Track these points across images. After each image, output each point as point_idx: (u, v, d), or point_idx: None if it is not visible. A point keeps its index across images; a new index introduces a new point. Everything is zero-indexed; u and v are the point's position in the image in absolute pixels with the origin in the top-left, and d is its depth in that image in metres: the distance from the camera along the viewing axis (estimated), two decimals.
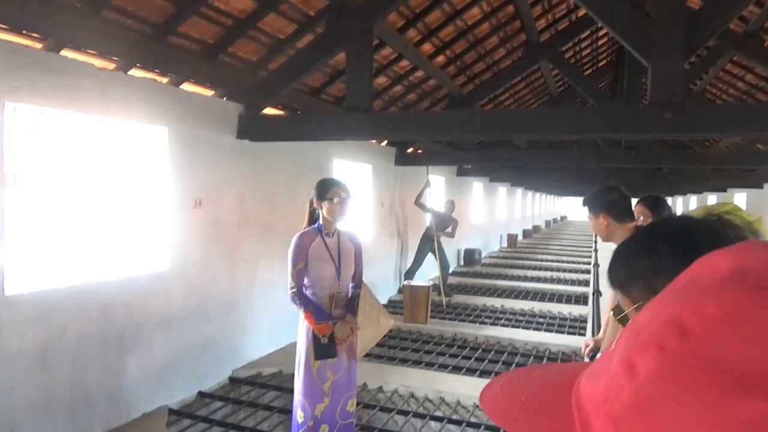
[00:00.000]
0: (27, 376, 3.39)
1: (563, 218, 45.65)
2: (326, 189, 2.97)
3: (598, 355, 2.80)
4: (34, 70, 3.30)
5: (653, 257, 0.86)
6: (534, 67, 8.03)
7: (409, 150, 9.28)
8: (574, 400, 0.36)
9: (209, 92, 4.89)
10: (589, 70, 10.99)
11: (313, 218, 3.06)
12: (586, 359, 2.90)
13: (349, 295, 3.07)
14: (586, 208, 2.65)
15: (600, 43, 9.84)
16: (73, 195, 3.85)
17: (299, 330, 3.00)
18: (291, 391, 4.79)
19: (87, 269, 3.96)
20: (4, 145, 3.17)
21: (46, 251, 3.67)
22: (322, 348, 2.88)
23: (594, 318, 4.37)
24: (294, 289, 2.90)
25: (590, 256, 15.88)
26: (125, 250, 4.30)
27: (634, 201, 2.93)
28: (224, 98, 5.00)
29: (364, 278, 3.20)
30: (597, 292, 5.05)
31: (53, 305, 3.52)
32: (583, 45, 9.50)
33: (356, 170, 8.00)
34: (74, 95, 3.56)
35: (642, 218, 3.58)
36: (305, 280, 2.98)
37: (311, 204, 3.06)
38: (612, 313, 1.17)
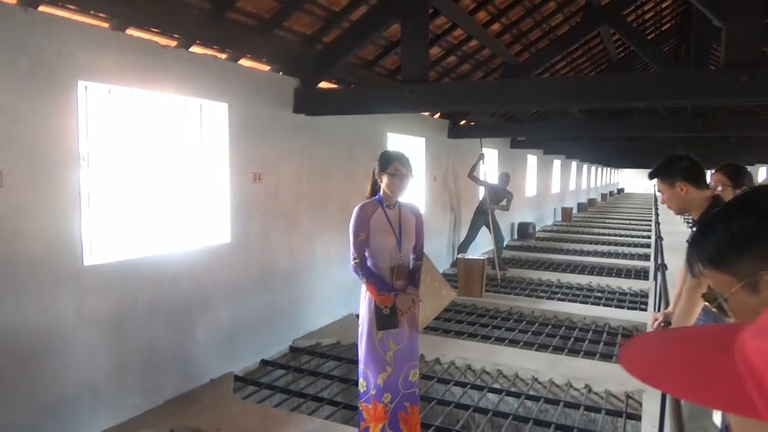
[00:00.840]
0: (104, 341, 3.59)
1: (620, 191, 44.18)
2: (387, 162, 2.95)
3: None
4: (102, 49, 3.42)
5: (765, 221, 0.78)
6: (593, 32, 7.72)
7: (462, 122, 9.14)
8: (740, 357, 0.35)
9: (266, 67, 4.93)
10: (652, 35, 10.48)
11: (374, 189, 3.07)
12: None
13: (411, 267, 3.06)
14: (657, 179, 2.52)
15: (664, 5, 9.34)
16: (142, 171, 4.00)
17: (362, 301, 3.03)
18: (350, 361, 4.93)
19: (156, 241, 4.14)
20: (79, 124, 3.32)
21: (119, 224, 3.85)
22: (385, 319, 2.90)
23: (661, 292, 4.23)
24: (356, 260, 2.91)
25: (649, 230, 15.38)
26: (191, 223, 4.46)
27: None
28: (280, 73, 5.04)
29: None
30: (663, 266, 4.88)
31: (126, 275, 3.70)
32: (646, 8, 9.04)
33: (409, 144, 7.98)
34: (140, 73, 3.67)
35: (720, 187, 3.41)
36: (366, 252, 3.00)
37: (374, 174, 3.06)
38: (703, 298, 0.98)
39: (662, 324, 2.77)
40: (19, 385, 3.11)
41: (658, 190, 2.53)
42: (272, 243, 5.05)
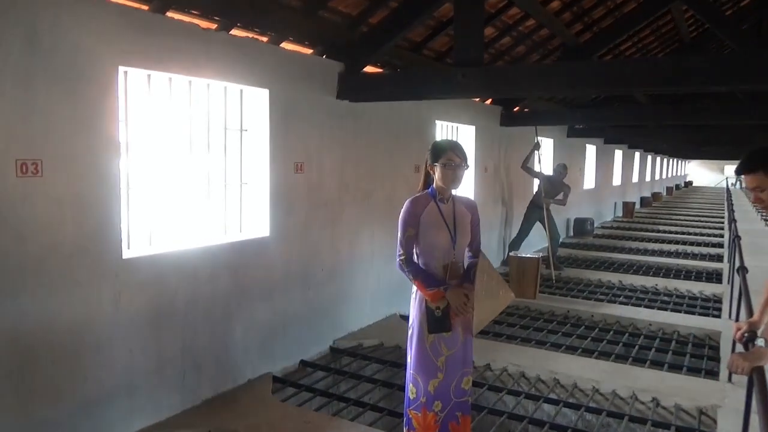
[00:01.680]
0: (142, 338, 3.67)
1: (688, 184, 42.77)
2: (439, 152, 2.91)
3: (758, 341, 2.57)
4: (142, 32, 3.47)
5: None
6: (663, 9, 7.46)
7: (516, 109, 8.99)
8: None
9: (308, 51, 4.95)
10: (729, 11, 10.04)
11: (427, 182, 3.03)
12: (739, 345, 2.69)
13: (466, 266, 3.03)
14: (751, 174, 2.37)
15: None
16: (181, 160, 4.08)
17: (412, 302, 3.01)
18: (393, 364, 4.92)
19: (194, 234, 4.21)
20: (120, 110, 3.39)
21: (158, 216, 3.93)
22: (437, 321, 2.87)
23: (742, 297, 4.05)
24: (402, 257, 2.90)
25: (722, 228, 14.84)
26: (229, 215, 4.52)
27: None
28: (324, 56, 5.05)
29: None
30: (742, 269, 4.67)
31: (164, 269, 3.77)
32: None
33: (459, 132, 7.90)
34: (180, 57, 3.72)
35: None
36: (416, 249, 2.97)
37: (426, 165, 3.02)
38: None
39: (746, 334, 2.64)
40: (56, 380, 3.22)
41: (749, 187, 2.39)
42: (313, 237, 5.08)
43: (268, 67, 4.44)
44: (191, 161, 4.13)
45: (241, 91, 4.47)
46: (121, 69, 3.42)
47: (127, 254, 3.56)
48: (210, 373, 4.18)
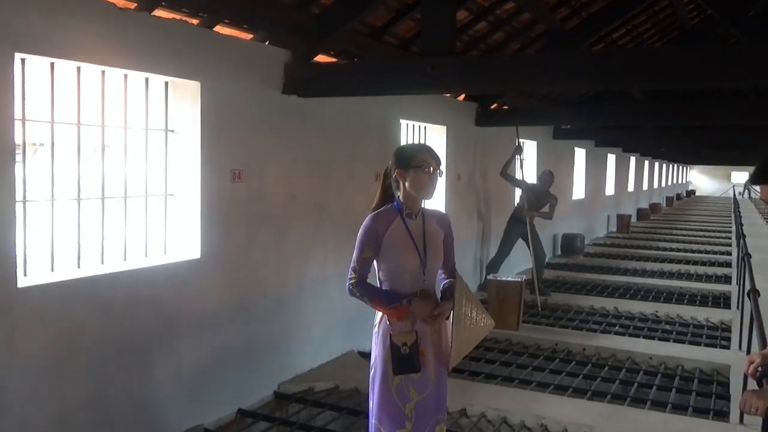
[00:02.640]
0: (41, 386, 3.56)
1: (691, 193, 44.18)
2: (413, 155, 2.95)
3: None
4: (43, 12, 3.41)
5: None
6: None
7: (493, 106, 9.14)
8: None
9: (248, 36, 4.94)
10: None
11: (387, 195, 3.06)
12: (752, 381, 2.78)
13: (440, 287, 3.08)
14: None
15: None
16: (94, 166, 4.01)
17: (374, 336, 3.01)
18: (351, 411, 4.91)
19: (109, 256, 4.13)
20: (15, 106, 3.31)
21: (64, 235, 3.85)
22: (404, 360, 2.87)
23: (754, 325, 4.19)
24: (353, 279, 2.92)
25: (730, 244, 15.36)
26: (151, 233, 4.46)
27: None
28: (266, 43, 5.05)
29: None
30: (754, 291, 4.84)
31: (70, 299, 3.68)
32: None
33: (428, 133, 7.98)
34: (91, 42, 3.67)
35: None
36: (379, 274, 2.98)
37: (386, 176, 3.04)
38: None
39: (760, 368, 2.73)
40: None
41: (765, 199, 2.49)
42: (254, 259, 5.05)
43: (199, 55, 4.41)
44: (105, 168, 4.06)
45: (167, 83, 4.43)
46: (18, 56, 3.35)
47: (23, 282, 3.46)
48: (127, 428, 4.09)
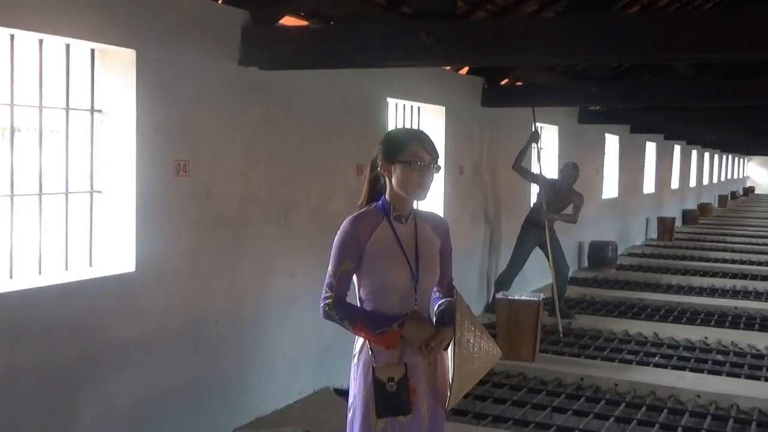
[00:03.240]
0: None
1: (748, 191, 44.37)
2: (402, 145, 2.90)
3: None
4: None
5: None
6: None
7: (504, 82, 9.15)
8: None
9: None
10: None
11: (375, 191, 3.03)
12: None
13: (435, 309, 3.04)
14: None
15: None
16: None
17: (352, 370, 2.97)
18: None
19: (18, 269, 4.08)
20: None
21: None
22: (390, 399, 2.81)
23: None
24: (330, 299, 2.89)
25: None
26: (73, 240, 4.41)
27: None
28: (219, 1, 5.03)
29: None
30: None
31: None
32: None
33: (422, 116, 7.97)
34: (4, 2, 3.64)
35: None
36: (360, 292, 2.95)
37: (372, 168, 3.00)
38: None
39: None
40: None
41: None
42: (203, 273, 5.01)
43: (135, 16, 4.38)
44: (14, 157, 4.02)
45: (93, 51, 4.40)
46: None
47: None
48: None
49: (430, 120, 8.04)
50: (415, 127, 7.59)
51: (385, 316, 2.90)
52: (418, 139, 2.94)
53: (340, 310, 2.90)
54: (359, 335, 2.96)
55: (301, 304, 5.83)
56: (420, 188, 2.92)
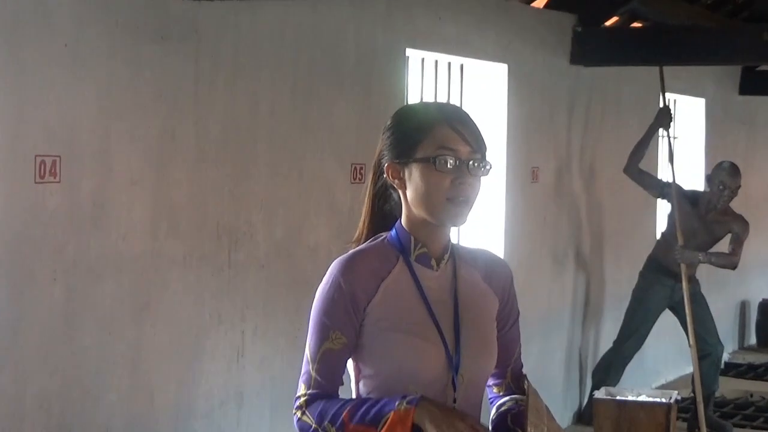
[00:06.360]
0: None
1: None
2: (421, 130, 2.82)
3: None
4: None
5: None
6: None
7: (610, 21, 9.17)
8: None
9: None
10: None
11: (383, 213, 3.01)
12: None
13: (493, 414, 3.03)
14: None
15: None
16: None
17: None
18: None
19: None
20: None
21: None
22: None
23: None
24: (304, 397, 2.86)
25: None
26: None
27: None
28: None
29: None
30: None
31: None
32: None
33: (465, 81, 8.01)
34: None
35: None
36: (361, 387, 2.92)
37: (377, 173, 2.96)
38: None
39: None
40: None
41: None
42: (89, 347, 5.06)
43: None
44: None
45: None
46: None
47: None
48: None
49: (480, 88, 8.10)
50: (448, 100, 7.60)
51: (392, 400, 2.80)
52: (448, 118, 2.85)
53: (320, 408, 2.85)
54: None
55: (254, 410, 5.88)
56: (454, 204, 2.85)
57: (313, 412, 2.82)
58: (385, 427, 2.75)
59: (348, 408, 2.80)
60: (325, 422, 2.80)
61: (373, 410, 2.78)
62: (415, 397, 2.76)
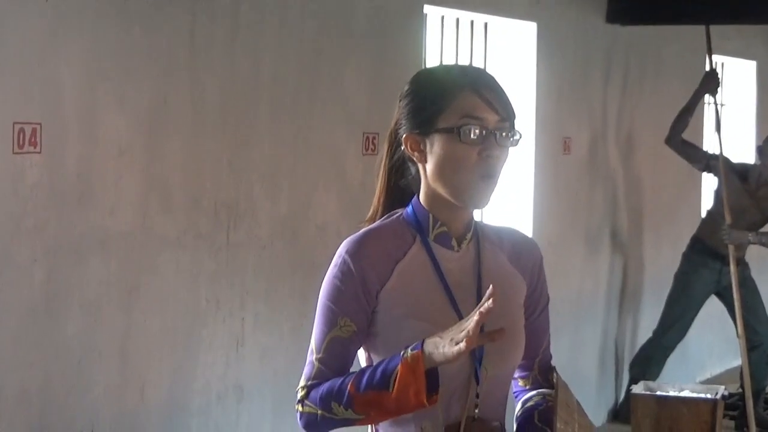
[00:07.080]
0: None
1: None
2: (442, 96, 2.83)
3: None
4: None
5: None
6: None
7: None
8: None
9: None
10: None
11: (399, 189, 3.03)
12: None
13: (518, 410, 3.07)
14: None
15: None
16: None
17: None
18: None
19: None
20: None
21: None
22: None
23: None
24: (304, 389, 2.86)
25: None
26: None
27: None
28: None
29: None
30: None
31: None
32: None
33: (489, 41, 8.02)
34: None
35: None
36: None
37: (392, 145, 2.99)
38: None
39: None
40: None
41: None
42: (70, 339, 5.08)
43: None
44: None
45: None
46: None
47: None
48: None
49: (506, 49, 8.12)
50: (468, 62, 7.64)
51: (392, 357, 2.80)
52: (472, 83, 2.83)
53: (321, 392, 2.84)
54: (354, 414, 2.84)
55: (255, 405, 5.91)
56: (480, 179, 2.86)
57: (314, 399, 2.81)
58: (397, 383, 2.73)
59: (351, 380, 2.79)
60: (331, 403, 2.79)
61: (379, 371, 2.77)
62: (417, 343, 2.74)
